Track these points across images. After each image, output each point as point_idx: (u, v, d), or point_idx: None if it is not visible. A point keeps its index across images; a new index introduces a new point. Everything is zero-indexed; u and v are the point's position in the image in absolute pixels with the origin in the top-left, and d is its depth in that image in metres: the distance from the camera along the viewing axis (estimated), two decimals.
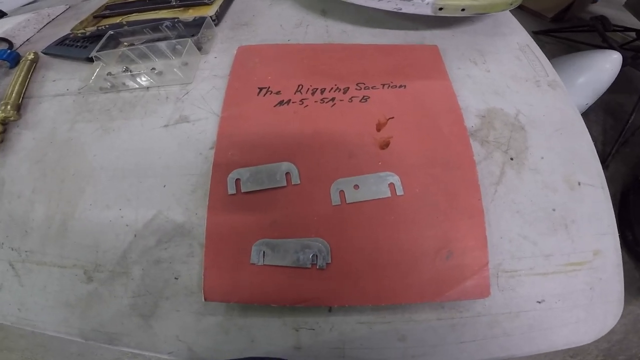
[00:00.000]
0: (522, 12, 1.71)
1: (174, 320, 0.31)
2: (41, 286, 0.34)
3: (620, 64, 0.95)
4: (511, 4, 0.42)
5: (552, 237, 0.32)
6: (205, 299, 0.29)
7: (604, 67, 0.95)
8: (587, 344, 0.31)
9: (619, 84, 0.99)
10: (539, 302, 0.30)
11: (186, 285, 0.31)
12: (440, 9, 0.39)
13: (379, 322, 0.30)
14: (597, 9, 1.65)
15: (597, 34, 1.32)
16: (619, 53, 0.95)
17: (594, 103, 1.04)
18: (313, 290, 0.29)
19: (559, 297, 0.30)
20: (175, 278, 0.31)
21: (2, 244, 0.35)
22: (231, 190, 0.32)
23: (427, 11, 0.39)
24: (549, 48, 1.51)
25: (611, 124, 1.31)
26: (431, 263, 0.29)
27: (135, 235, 0.33)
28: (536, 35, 1.55)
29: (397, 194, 0.31)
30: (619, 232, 0.32)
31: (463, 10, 0.39)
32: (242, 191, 0.32)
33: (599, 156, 0.36)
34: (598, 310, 0.31)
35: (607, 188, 0.35)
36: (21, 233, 0.35)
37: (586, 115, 1.26)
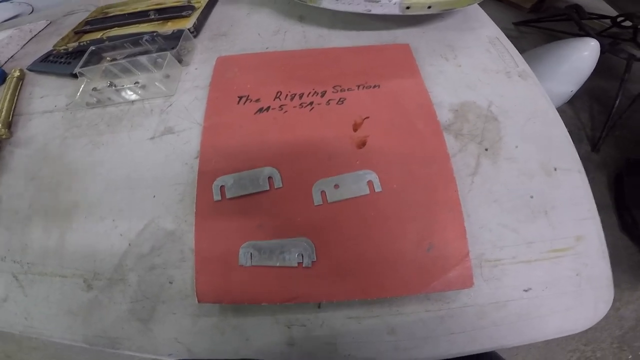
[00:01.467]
0: (500, 5, 1.73)
1: (171, 323, 0.32)
2: (44, 296, 0.35)
3: (599, 51, 0.98)
4: None
5: (532, 224, 0.32)
6: (198, 301, 0.30)
7: (582, 54, 0.98)
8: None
9: (601, 71, 1.02)
10: (526, 291, 0.30)
11: (180, 289, 0.32)
12: (408, 7, 0.40)
13: (368, 317, 0.31)
14: None
15: (574, 23, 1.34)
16: (595, 40, 0.97)
17: (578, 90, 1.06)
18: (301, 288, 0.30)
19: (545, 285, 0.30)
20: (170, 282, 0.33)
21: (5, 257, 0.37)
22: (216, 197, 0.33)
23: (395, 11, 0.40)
24: (529, 38, 1.53)
25: (598, 109, 1.33)
26: (413, 256, 0.30)
27: (129, 244, 0.34)
28: (516, 26, 1.57)
29: (376, 190, 0.32)
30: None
31: (429, 7, 0.40)
32: (227, 197, 0.33)
33: (590, 141, 0.38)
34: (587, 297, 0.31)
35: (584, 172, 0.35)
36: (21, 247, 0.37)
37: (573, 102, 1.29)
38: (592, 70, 1.00)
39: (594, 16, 1.40)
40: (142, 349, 0.33)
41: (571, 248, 0.32)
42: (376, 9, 0.40)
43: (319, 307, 0.31)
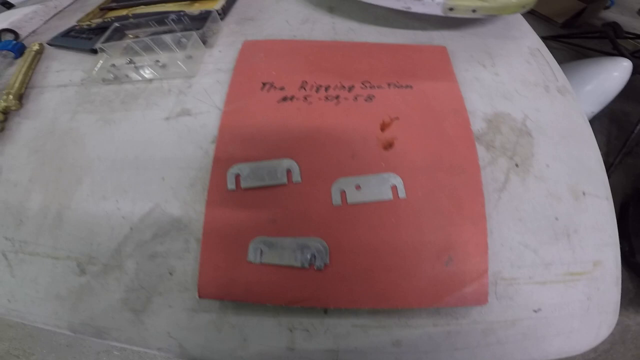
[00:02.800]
0: (531, 17, 1.69)
1: (166, 316, 0.30)
2: (32, 277, 0.33)
3: (630, 72, 0.94)
4: (524, 7, 0.42)
5: (553, 246, 0.31)
6: (199, 296, 0.28)
7: (612, 74, 0.95)
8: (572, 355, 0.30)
9: (626, 93, 0.98)
10: (535, 311, 0.30)
11: (180, 281, 0.30)
12: (451, 9, 0.38)
13: (375, 326, 0.29)
14: (610, 15, 1.63)
15: (607, 41, 1.30)
16: (629, 61, 0.94)
17: (600, 111, 1.03)
18: (310, 291, 0.28)
19: (555, 307, 0.30)
20: (170, 273, 0.31)
21: None
22: (230, 185, 0.31)
23: (437, 11, 0.38)
24: (557, 54, 1.48)
25: (616, 133, 1.29)
26: (430, 268, 0.29)
27: (131, 229, 0.32)
28: (545, 40, 1.52)
29: (400, 196, 0.31)
30: None
31: (474, 11, 0.38)
32: (242, 187, 0.31)
33: None
34: (593, 320, 0.30)
35: (611, 199, 0.34)
36: (16, 222, 0.35)
37: (591, 123, 1.24)
38: (619, 92, 0.96)
39: (631, 36, 1.37)
40: (131, 340, 0.31)
41: (588, 272, 0.31)
42: (417, 7, 0.38)
43: (325, 312, 0.30)
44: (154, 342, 0.30)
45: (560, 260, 0.31)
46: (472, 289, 0.28)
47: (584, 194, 0.33)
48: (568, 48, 1.51)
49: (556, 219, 0.32)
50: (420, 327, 0.29)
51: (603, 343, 0.30)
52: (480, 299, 0.28)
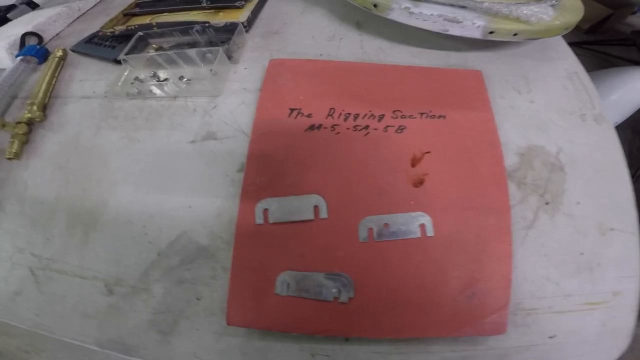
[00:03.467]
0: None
1: (192, 338, 0.31)
2: (60, 295, 0.34)
3: None
4: (566, 29, 0.39)
5: (574, 278, 0.31)
6: (228, 324, 0.29)
7: (638, 85, 0.90)
8: None
9: None
10: (550, 338, 0.30)
11: (207, 306, 0.31)
12: (491, 32, 0.36)
13: (395, 353, 0.30)
14: (637, 21, 1.54)
15: (635, 49, 1.24)
16: None
17: (623, 121, 0.99)
18: (333, 323, 0.29)
19: (570, 333, 0.30)
20: (197, 299, 0.31)
21: (24, 249, 0.36)
22: (259, 220, 0.31)
23: (477, 35, 0.36)
24: (582, 61, 1.41)
25: (638, 145, 1.25)
26: (453, 302, 0.29)
27: (158, 254, 0.33)
28: (569, 47, 1.46)
29: (427, 234, 0.30)
30: None
31: (515, 35, 0.36)
32: (270, 222, 0.31)
33: None
34: (605, 344, 0.30)
35: (638, 234, 0.33)
36: (43, 240, 0.35)
37: None
38: None
39: None
40: (158, 359, 0.32)
41: (606, 302, 0.31)
42: (455, 30, 0.36)
43: (346, 340, 0.30)
44: None
45: (581, 291, 0.31)
46: (492, 320, 0.28)
47: (611, 229, 0.33)
48: (593, 55, 1.42)
49: (581, 254, 0.32)
50: (439, 353, 0.30)
51: None
52: (500, 329, 0.28)
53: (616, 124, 0.99)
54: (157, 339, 0.31)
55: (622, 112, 0.96)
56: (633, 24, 1.51)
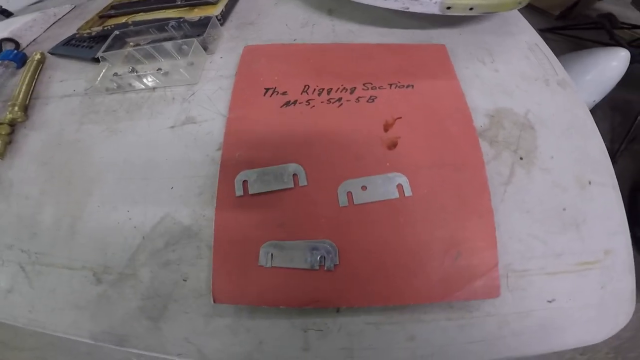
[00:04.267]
0: (527, 10, 1.67)
1: (182, 322, 0.31)
2: (51, 288, 0.34)
3: (628, 62, 0.94)
4: (520, 3, 0.42)
5: (562, 236, 0.31)
6: (214, 302, 0.29)
7: (611, 64, 0.95)
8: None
9: (627, 82, 0.98)
10: (550, 302, 0.30)
11: (194, 287, 0.31)
12: (448, 8, 0.38)
13: (387, 323, 0.30)
14: (604, 6, 1.62)
15: (604, 32, 1.30)
16: (626, 50, 0.94)
17: (601, 100, 1.03)
18: (321, 292, 0.29)
19: (569, 297, 0.30)
20: (184, 280, 0.31)
21: (12, 245, 0.36)
22: (239, 192, 0.32)
23: (435, 10, 0.38)
24: (554, 46, 1.47)
25: (619, 120, 1.30)
26: (440, 264, 0.29)
27: (143, 238, 0.33)
28: (542, 32, 1.52)
29: (405, 195, 0.31)
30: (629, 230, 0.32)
31: (471, 9, 0.39)
32: (250, 193, 0.32)
33: (608, 153, 0.36)
34: (609, 309, 0.30)
35: (618, 187, 0.35)
36: (30, 235, 0.36)
37: (593, 112, 1.24)
38: (618, 81, 0.97)
39: (627, 26, 1.36)
40: (150, 347, 0.31)
41: (599, 261, 0.31)
42: (415, 7, 0.38)
43: (337, 311, 0.30)
44: (173, 348, 0.31)
45: (571, 250, 0.31)
46: (483, 282, 0.28)
47: (590, 183, 0.34)
48: (565, 40, 1.50)
49: (564, 209, 0.32)
50: (434, 322, 0.30)
51: (626, 330, 0.30)
52: (492, 292, 0.28)
53: (595, 103, 1.03)
54: (148, 325, 0.31)
55: (599, 91, 1.00)
56: (600, 9, 1.58)
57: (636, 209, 1.04)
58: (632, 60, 0.95)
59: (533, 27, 0.48)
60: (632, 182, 1.12)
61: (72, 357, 0.93)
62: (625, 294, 0.31)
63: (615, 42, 1.21)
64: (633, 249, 0.33)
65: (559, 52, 0.47)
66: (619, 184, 0.35)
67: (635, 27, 1.35)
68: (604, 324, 0.30)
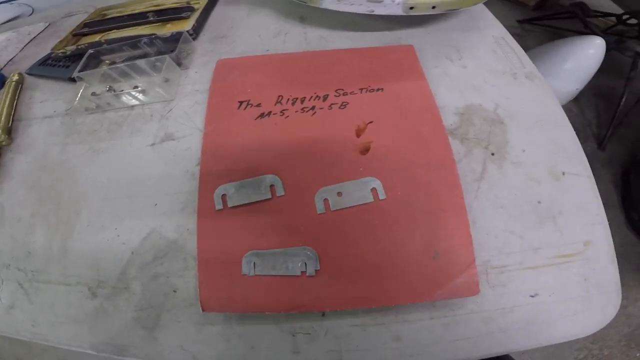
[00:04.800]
0: (504, 2, 1.70)
1: (176, 331, 0.32)
2: (50, 303, 0.35)
3: (604, 49, 0.97)
4: None
5: (539, 230, 0.32)
6: (202, 310, 0.30)
7: (588, 52, 0.97)
8: (607, 330, 0.30)
9: (607, 68, 1.00)
10: (532, 297, 0.30)
11: (184, 297, 0.32)
12: (411, 8, 0.39)
13: (373, 324, 0.30)
14: None
15: (579, 21, 1.32)
16: (601, 38, 0.97)
17: (584, 87, 1.05)
18: (305, 297, 0.30)
19: (552, 290, 0.30)
20: (174, 291, 0.33)
21: (9, 265, 0.37)
22: (218, 206, 0.33)
23: (399, 11, 0.39)
24: (533, 36, 1.51)
25: (604, 107, 1.32)
26: (419, 264, 0.30)
27: (132, 253, 0.34)
28: (520, 24, 1.55)
29: (380, 198, 0.32)
30: (624, 214, 0.33)
31: (434, 7, 0.39)
32: (229, 206, 0.33)
33: (596, 139, 0.37)
34: (595, 301, 0.30)
35: (592, 177, 0.35)
36: (25, 254, 0.37)
37: (578, 100, 1.27)
38: (597, 68, 0.99)
39: (599, 14, 1.39)
40: (149, 356, 0.33)
41: (579, 253, 0.31)
42: (379, 10, 0.39)
43: (323, 315, 0.31)
44: (170, 356, 0.32)
45: (549, 243, 0.31)
46: (463, 280, 0.29)
47: (563, 174, 0.34)
48: (543, 30, 1.52)
49: (539, 202, 0.33)
50: (418, 322, 0.30)
51: (636, 317, 0.30)
52: (472, 289, 0.29)
53: (578, 90, 1.05)
54: (144, 335, 0.32)
55: (579, 79, 1.02)
56: None
57: (629, 192, 1.06)
58: (609, 48, 0.98)
59: (511, 19, 0.48)
60: (622, 165, 1.14)
61: None
62: (610, 286, 0.31)
63: (590, 31, 1.24)
64: (630, 232, 0.33)
65: (537, 42, 0.48)
66: (610, 169, 0.35)
67: (608, 14, 1.38)
68: (591, 316, 0.30)
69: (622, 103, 1.18)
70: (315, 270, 0.30)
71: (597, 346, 0.89)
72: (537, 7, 1.63)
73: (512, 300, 0.30)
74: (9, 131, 0.44)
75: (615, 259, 0.32)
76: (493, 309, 0.30)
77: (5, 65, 0.54)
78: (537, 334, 0.30)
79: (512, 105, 0.39)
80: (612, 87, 1.31)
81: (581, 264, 0.31)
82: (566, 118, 0.38)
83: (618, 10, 1.31)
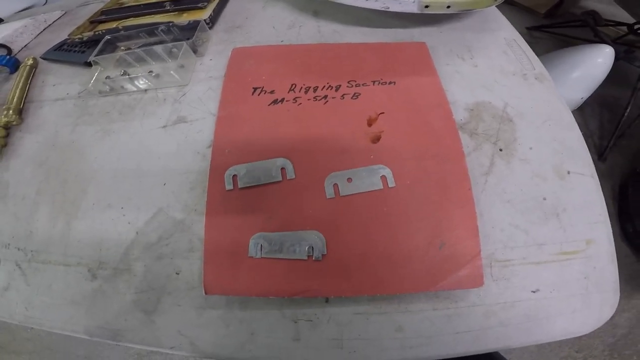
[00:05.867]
0: (514, 8, 1.72)
1: (175, 315, 0.32)
2: (47, 285, 0.35)
3: (613, 58, 0.97)
4: (496, 0, 0.43)
5: (543, 226, 0.32)
6: (205, 293, 0.30)
7: (596, 61, 0.97)
8: (592, 339, 0.31)
9: (614, 78, 1.00)
10: (534, 292, 0.30)
11: (187, 280, 0.32)
12: (427, 6, 0.40)
13: (375, 313, 0.30)
14: (589, 3, 1.66)
15: (589, 29, 1.33)
16: (610, 47, 0.96)
17: (589, 97, 1.05)
18: (310, 281, 0.30)
19: (553, 287, 0.31)
20: (177, 273, 0.32)
21: (9, 244, 0.36)
22: (228, 186, 0.33)
23: (414, 9, 0.40)
24: (542, 44, 1.53)
25: (608, 117, 1.32)
26: (424, 253, 0.30)
27: (137, 233, 0.34)
28: (529, 31, 1.56)
29: (389, 186, 0.32)
30: (619, 225, 0.33)
31: (448, 7, 0.40)
32: (239, 187, 0.33)
33: (597, 150, 0.37)
34: (594, 300, 0.31)
35: (597, 177, 0.35)
36: (26, 233, 0.36)
37: (582, 109, 1.28)
38: (604, 78, 0.99)
39: (611, 23, 1.39)
40: (144, 341, 0.32)
41: (581, 251, 0.32)
42: (394, 7, 0.40)
43: (326, 302, 0.31)
44: (167, 341, 0.31)
45: (552, 239, 0.32)
46: (467, 272, 0.29)
47: (568, 172, 0.35)
48: (553, 37, 1.54)
49: (544, 199, 0.33)
50: (421, 312, 0.30)
51: (621, 327, 0.31)
52: (476, 281, 0.29)
53: (583, 100, 1.05)
54: (142, 319, 0.32)
55: (586, 88, 1.02)
56: (586, 6, 1.62)
57: (626, 205, 1.06)
58: (617, 57, 0.98)
59: (520, 25, 0.49)
60: (621, 177, 1.14)
61: None
62: (609, 285, 0.31)
63: (600, 40, 1.23)
64: (624, 244, 0.33)
65: (545, 49, 0.49)
66: (609, 180, 0.36)
67: (619, 24, 1.38)
68: (589, 315, 0.31)
69: (626, 114, 1.17)
70: (322, 255, 0.30)
71: (582, 355, 0.89)
72: (547, 14, 1.64)
73: (514, 295, 0.30)
74: (20, 112, 0.44)
75: (615, 259, 0.32)
76: (495, 302, 0.30)
77: (20, 51, 0.55)
78: (536, 330, 0.30)
79: (521, 105, 0.39)
80: (617, 97, 1.31)
81: (582, 262, 0.31)
82: (573, 119, 0.39)
83: (631, 19, 1.31)
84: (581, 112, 1.33)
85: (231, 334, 0.31)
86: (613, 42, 1.19)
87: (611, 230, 0.33)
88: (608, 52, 0.97)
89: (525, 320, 0.30)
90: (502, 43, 0.46)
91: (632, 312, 0.93)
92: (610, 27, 1.42)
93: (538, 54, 0.45)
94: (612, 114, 1.31)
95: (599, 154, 1.21)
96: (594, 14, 1.35)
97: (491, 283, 0.30)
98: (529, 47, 0.46)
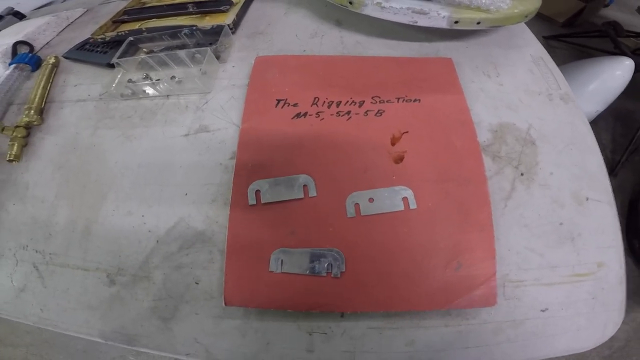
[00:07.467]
0: (533, 17, 1.67)
1: (193, 323, 0.32)
2: (64, 288, 0.35)
3: (632, 71, 0.94)
4: (526, 17, 0.43)
5: (558, 249, 0.32)
6: (225, 304, 0.30)
7: (615, 73, 0.94)
8: (588, 351, 0.31)
9: (630, 91, 0.97)
10: (543, 311, 0.31)
11: (206, 290, 0.32)
12: (456, 22, 0.39)
13: (389, 328, 0.31)
14: (610, 13, 1.62)
15: (608, 40, 1.30)
16: (630, 60, 0.93)
17: (604, 110, 1.03)
18: (327, 297, 0.30)
19: (562, 306, 0.31)
20: (196, 283, 0.33)
21: (27, 246, 0.37)
22: (251, 201, 0.33)
23: (443, 24, 0.39)
24: (559, 53, 1.49)
25: (621, 131, 1.29)
26: (441, 273, 0.30)
27: (157, 241, 0.34)
28: (546, 40, 1.53)
29: (410, 207, 0.32)
30: (626, 241, 0.33)
31: (478, 23, 0.40)
32: (262, 202, 0.33)
33: (608, 164, 0.37)
34: (599, 318, 0.31)
35: (614, 203, 0.35)
36: (45, 236, 0.37)
37: (595, 122, 1.25)
38: (622, 91, 0.97)
39: (632, 34, 1.36)
40: (160, 347, 0.32)
41: (592, 273, 0.32)
42: (423, 21, 0.39)
43: (342, 316, 0.31)
44: (182, 348, 0.32)
45: (565, 262, 0.32)
46: (481, 292, 0.30)
47: (587, 199, 0.35)
48: (570, 47, 1.50)
49: (560, 224, 0.33)
50: (433, 328, 0.31)
51: (618, 340, 0.31)
52: (489, 301, 0.30)
53: (598, 113, 1.03)
54: (159, 325, 0.32)
55: (602, 101, 0.99)
56: (605, 16, 1.58)
57: (635, 220, 1.04)
58: (637, 70, 0.95)
59: (538, 34, 0.48)
60: (631, 193, 1.11)
61: (68, 355, 0.95)
62: (615, 305, 0.32)
63: (620, 51, 1.20)
64: (629, 259, 0.34)
65: (563, 60, 0.48)
66: (618, 195, 0.36)
67: None
68: (593, 332, 0.31)
69: None
70: (341, 272, 0.30)
71: None
72: (566, 23, 1.61)
73: (524, 313, 0.31)
74: (42, 112, 0.44)
75: (624, 280, 0.33)
76: (505, 320, 0.31)
77: (42, 48, 0.54)
78: (542, 346, 0.31)
79: (545, 127, 0.39)
80: (632, 111, 1.28)
81: (592, 283, 0.32)
82: (595, 142, 0.39)
83: None
84: (594, 125, 1.30)
85: (247, 343, 0.31)
86: (633, 54, 1.16)
87: (623, 254, 0.33)
88: (628, 65, 0.94)
89: (532, 337, 0.31)
90: (528, 60, 0.45)
91: (631, 325, 0.93)
92: (631, 38, 1.39)
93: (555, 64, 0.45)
94: (626, 128, 1.28)
95: (611, 169, 1.19)
96: (614, 25, 1.31)
97: (503, 302, 0.31)
98: (555, 65, 0.45)
